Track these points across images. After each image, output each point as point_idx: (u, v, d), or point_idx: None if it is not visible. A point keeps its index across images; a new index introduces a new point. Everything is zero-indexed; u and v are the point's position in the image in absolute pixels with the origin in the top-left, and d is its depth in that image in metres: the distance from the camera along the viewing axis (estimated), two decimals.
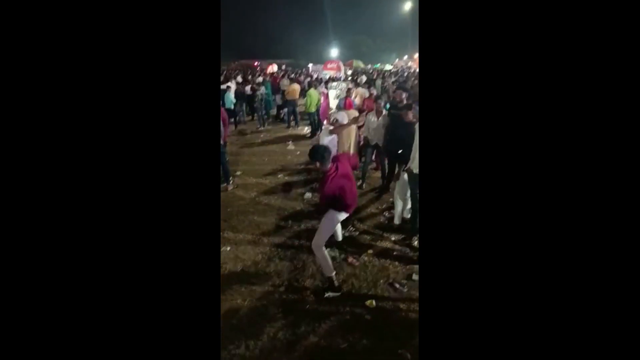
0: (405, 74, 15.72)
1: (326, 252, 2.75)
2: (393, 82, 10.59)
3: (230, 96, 9.06)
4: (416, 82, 10.79)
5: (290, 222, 4.00)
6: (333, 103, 6.70)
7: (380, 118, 4.64)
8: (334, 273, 2.75)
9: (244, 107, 10.11)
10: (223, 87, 9.38)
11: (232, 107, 9.10)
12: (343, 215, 2.77)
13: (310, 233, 3.70)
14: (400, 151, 4.17)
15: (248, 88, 10.01)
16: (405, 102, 4.46)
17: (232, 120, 9.21)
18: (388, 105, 4.92)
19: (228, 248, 3.43)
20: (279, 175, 5.43)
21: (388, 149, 4.53)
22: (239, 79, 12.76)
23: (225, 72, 15.89)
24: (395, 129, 4.32)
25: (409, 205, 3.78)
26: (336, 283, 2.77)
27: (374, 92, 7.15)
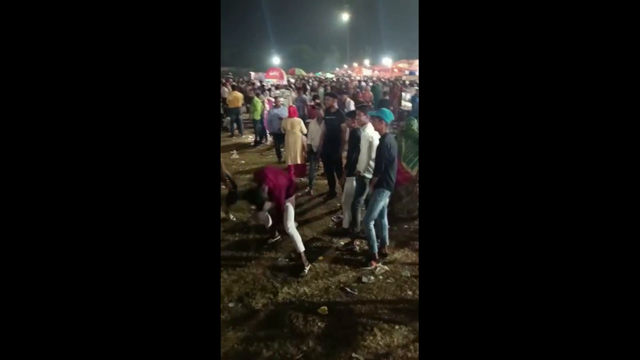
0: (346, 81, 16.26)
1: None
2: (325, 90, 10.86)
3: None
4: (354, 89, 11.22)
5: (237, 233, 3.87)
6: (278, 111, 6.70)
7: (321, 125, 4.73)
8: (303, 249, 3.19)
9: None
10: None
11: None
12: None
13: (259, 243, 3.61)
14: (337, 157, 4.33)
15: None
16: (335, 108, 4.65)
17: None
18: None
19: None
20: (222, 187, 5.24)
21: (323, 154, 4.67)
22: None
23: None
24: (329, 135, 4.47)
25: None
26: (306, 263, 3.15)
27: (318, 100, 7.28)
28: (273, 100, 7.52)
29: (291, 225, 3.18)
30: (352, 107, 6.77)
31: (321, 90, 11.23)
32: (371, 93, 10.49)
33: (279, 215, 3.23)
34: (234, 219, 4.17)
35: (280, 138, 6.61)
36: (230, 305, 2.70)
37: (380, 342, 2.30)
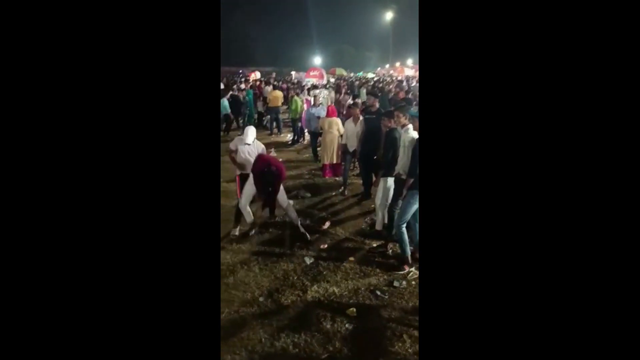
0: (385, 82, 15.97)
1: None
2: (367, 89, 10.72)
3: (225, 102, 9.06)
4: (395, 89, 10.97)
5: (270, 229, 3.94)
6: (317, 110, 6.75)
7: (357, 124, 4.67)
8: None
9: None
10: None
11: (228, 112, 9.14)
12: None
13: (293, 240, 3.65)
14: (375, 157, 4.23)
15: (229, 95, 9.97)
16: (376, 107, 4.54)
17: (224, 126, 9.27)
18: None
19: None
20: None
21: (362, 155, 4.58)
22: (221, 85, 12.66)
23: None
24: (369, 135, 4.38)
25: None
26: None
27: (358, 100, 7.22)
28: (312, 99, 7.58)
29: (289, 201, 3.71)
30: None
31: (363, 90, 11.14)
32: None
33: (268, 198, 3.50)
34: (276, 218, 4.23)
35: (316, 137, 6.65)
36: (260, 299, 2.75)
37: (409, 350, 2.22)
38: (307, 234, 3.70)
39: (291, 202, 3.84)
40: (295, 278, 3.02)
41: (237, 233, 3.75)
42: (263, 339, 2.33)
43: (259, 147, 3.84)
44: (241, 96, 9.61)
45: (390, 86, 12.75)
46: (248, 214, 3.73)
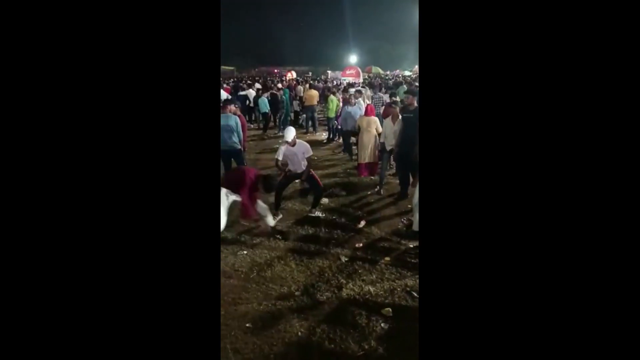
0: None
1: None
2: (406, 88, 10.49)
3: (265, 101, 9.39)
4: None
5: (305, 225, 4.00)
6: (353, 109, 6.73)
7: (395, 123, 4.60)
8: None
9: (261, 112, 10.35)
10: (243, 92, 9.85)
11: (267, 111, 9.51)
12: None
13: (329, 239, 3.69)
14: (410, 156, 4.15)
15: (268, 94, 10.24)
16: (414, 106, 4.44)
17: (262, 124, 9.83)
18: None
19: (244, 252, 3.45)
20: (296, 181, 5.45)
21: (399, 154, 4.50)
22: (258, 85, 13.00)
23: (245, 78, 16.20)
24: (407, 134, 4.29)
25: None
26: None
27: (397, 98, 7.11)
28: (350, 96, 7.56)
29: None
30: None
31: (400, 88, 10.94)
32: None
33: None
34: (321, 215, 4.30)
35: (349, 135, 6.62)
36: (297, 294, 2.81)
37: None
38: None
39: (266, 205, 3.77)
40: (331, 275, 3.05)
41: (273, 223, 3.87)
42: (299, 333, 2.38)
43: (303, 147, 4.04)
44: (279, 95, 9.83)
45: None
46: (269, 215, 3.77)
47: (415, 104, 4.51)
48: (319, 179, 4.32)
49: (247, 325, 2.46)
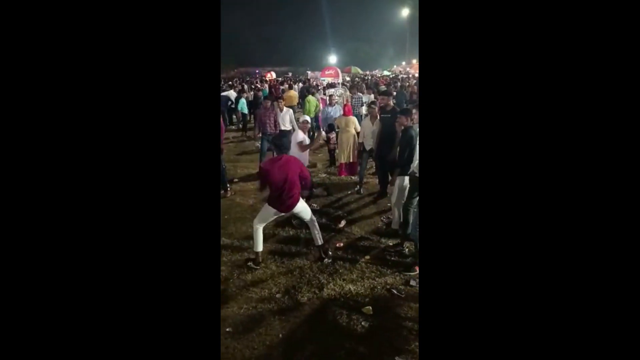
0: (401, 79, 15.79)
1: None
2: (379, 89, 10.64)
3: (244, 102, 9.35)
4: (413, 86, 10.83)
5: (287, 229, 3.98)
6: (333, 110, 6.75)
7: (374, 123, 4.66)
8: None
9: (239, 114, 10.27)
10: (225, 93, 9.80)
11: (247, 112, 9.48)
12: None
13: (309, 239, 3.69)
14: (389, 155, 4.22)
15: (251, 95, 10.22)
16: (391, 106, 4.52)
17: (241, 125, 9.74)
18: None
19: (223, 258, 3.41)
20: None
21: (377, 154, 4.57)
22: (239, 86, 12.88)
23: (225, 79, 16.02)
24: (385, 134, 4.37)
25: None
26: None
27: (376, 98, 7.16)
28: (327, 98, 7.59)
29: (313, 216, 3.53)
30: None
31: (382, 88, 11.06)
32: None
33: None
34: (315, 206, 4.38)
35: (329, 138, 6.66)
36: (278, 296, 2.80)
37: None
38: (326, 256, 3.29)
39: (314, 217, 3.39)
40: (312, 275, 3.06)
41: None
42: (280, 335, 2.37)
43: (299, 135, 4.19)
44: (260, 95, 9.84)
45: (407, 83, 12.60)
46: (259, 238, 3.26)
47: (391, 104, 4.58)
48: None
49: (228, 329, 2.43)
